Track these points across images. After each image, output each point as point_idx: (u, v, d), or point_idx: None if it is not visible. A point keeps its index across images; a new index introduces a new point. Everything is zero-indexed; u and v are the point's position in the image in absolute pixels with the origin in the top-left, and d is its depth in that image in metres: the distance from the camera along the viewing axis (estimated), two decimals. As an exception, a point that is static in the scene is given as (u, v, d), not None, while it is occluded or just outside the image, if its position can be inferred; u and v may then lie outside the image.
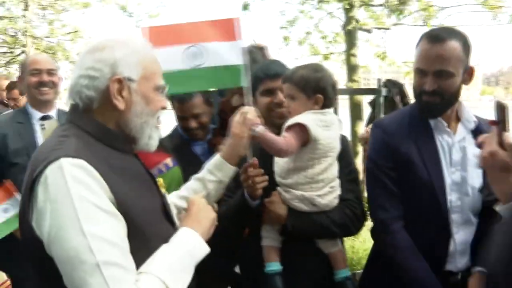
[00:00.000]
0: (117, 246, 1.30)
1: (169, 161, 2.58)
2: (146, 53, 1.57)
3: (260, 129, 2.02)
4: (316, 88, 2.14)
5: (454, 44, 1.98)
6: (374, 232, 2.32)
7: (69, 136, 1.44)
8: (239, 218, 2.23)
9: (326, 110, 2.17)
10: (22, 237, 1.44)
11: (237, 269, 2.52)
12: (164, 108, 1.64)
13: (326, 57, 11.10)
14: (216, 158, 2.01)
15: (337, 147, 2.20)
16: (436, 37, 2.00)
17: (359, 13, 9.81)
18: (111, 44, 1.53)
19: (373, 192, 2.20)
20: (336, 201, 2.21)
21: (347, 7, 9.36)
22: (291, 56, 12.17)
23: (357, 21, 9.50)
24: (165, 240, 1.48)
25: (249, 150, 2.10)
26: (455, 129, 2.15)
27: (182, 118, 2.80)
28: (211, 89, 2.64)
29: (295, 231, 2.16)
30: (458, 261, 2.10)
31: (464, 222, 2.09)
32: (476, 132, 2.09)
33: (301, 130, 2.08)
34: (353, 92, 8.04)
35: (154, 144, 1.64)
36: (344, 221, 2.21)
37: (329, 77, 2.19)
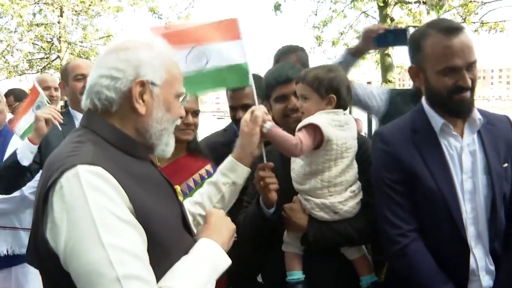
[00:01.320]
0: (138, 258, 1.22)
1: (209, 167, 2.55)
2: (170, 58, 1.51)
3: (270, 125, 1.94)
4: (329, 88, 2.08)
5: (467, 31, 1.88)
6: (386, 251, 2.06)
7: (84, 142, 1.37)
8: (256, 227, 2.15)
9: (339, 110, 2.10)
10: (35, 251, 1.35)
11: (259, 278, 2.43)
12: (182, 116, 1.58)
13: (361, 57, 10.87)
14: (228, 159, 1.93)
15: (353, 147, 2.10)
16: (453, 29, 1.85)
17: (394, 11, 9.55)
18: (136, 45, 1.45)
19: (379, 206, 2.00)
20: (358, 207, 2.11)
21: (381, 5, 9.11)
22: (324, 57, 12.02)
23: (392, 19, 9.25)
24: (185, 251, 1.41)
25: (262, 149, 2.02)
26: (462, 131, 1.95)
27: (232, 108, 2.79)
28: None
29: (316, 243, 2.08)
30: (482, 279, 1.92)
31: (480, 235, 1.92)
32: (481, 131, 1.95)
33: (314, 130, 2.01)
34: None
35: (170, 150, 1.57)
36: (368, 228, 2.09)
37: (343, 77, 2.13)
